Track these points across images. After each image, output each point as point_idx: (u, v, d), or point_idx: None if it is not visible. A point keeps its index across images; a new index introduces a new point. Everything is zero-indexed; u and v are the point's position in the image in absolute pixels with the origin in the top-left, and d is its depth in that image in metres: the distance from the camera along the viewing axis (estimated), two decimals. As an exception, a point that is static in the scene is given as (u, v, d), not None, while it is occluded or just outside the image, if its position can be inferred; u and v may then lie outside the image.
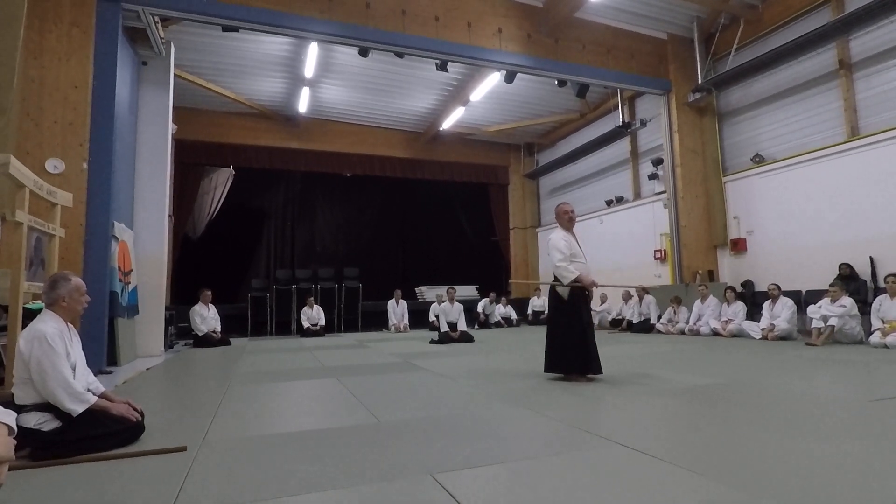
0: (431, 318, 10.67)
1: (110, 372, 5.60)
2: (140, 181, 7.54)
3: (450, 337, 8.28)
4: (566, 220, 4.56)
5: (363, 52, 8.36)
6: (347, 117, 12.96)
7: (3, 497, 1.77)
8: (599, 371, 4.27)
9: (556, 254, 4.37)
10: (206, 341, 8.63)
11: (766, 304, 7.67)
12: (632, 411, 3.13)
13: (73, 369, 2.57)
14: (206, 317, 8.84)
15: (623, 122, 11.31)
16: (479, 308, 12.09)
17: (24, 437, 2.25)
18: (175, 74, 8.35)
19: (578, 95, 10.42)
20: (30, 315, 3.87)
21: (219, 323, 9.13)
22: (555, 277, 4.43)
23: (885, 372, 4.30)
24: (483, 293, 13.57)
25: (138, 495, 1.94)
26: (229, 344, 8.87)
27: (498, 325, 12.32)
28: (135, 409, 2.71)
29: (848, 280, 7.25)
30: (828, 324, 6.38)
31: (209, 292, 9.12)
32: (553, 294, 4.48)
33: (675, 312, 9.26)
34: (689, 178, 9.90)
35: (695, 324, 8.68)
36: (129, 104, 7.18)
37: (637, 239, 11.34)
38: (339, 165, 13.56)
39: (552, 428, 2.76)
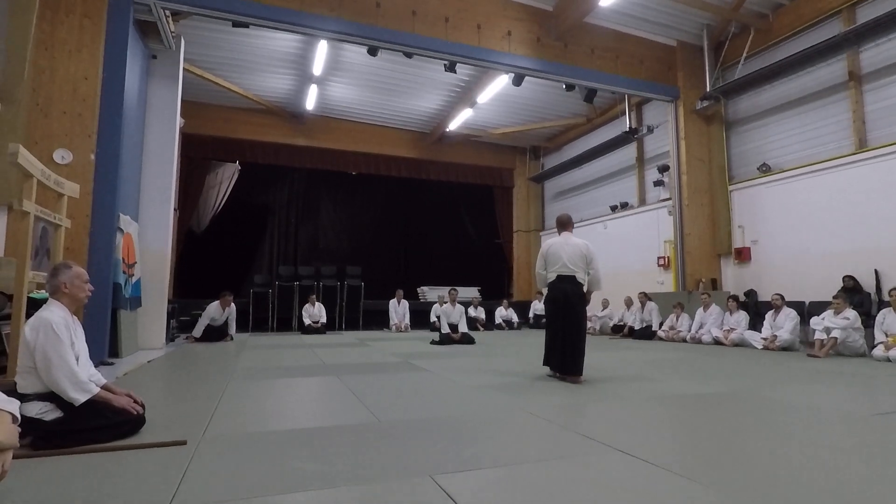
0: (433, 318, 10.67)
1: (112, 363, 5.62)
2: (146, 174, 7.56)
3: (451, 338, 8.27)
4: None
5: (372, 52, 8.37)
6: (354, 116, 12.98)
7: (4, 486, 1.77)
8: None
9: (598, 260, 4.79)
10: (207, 335, 8.65)
11: (769, 314, 7.64)
12: (632, 417, 3.12)
13: (77, 360, 2.57)
14: (215, 319, 8.76)
15: (630, 127, 11.30)
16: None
17: (26, 427, 2.25)
18: (184, 69, 8.39)
19: (586, 100, 10.41)
20: (34, 304, 3.88)
21: (234, 321, 9.01)
22: (573, 280, 4.67)
23: (887, 386, 4.28)
24: (485, 295, 13.58)
25: (138, 488, 1.95)
26: (231, 339, 8.89)
27: (499, 327, 12.33)
28: (136, 402, 2.72)
29: (852, 292, 7.22)
30: (830, 336, 6.36)
31: (230, 297, 8.89)
32: (583, 301, 4.69)
33: (677, 319, 9.23)
34: (695, 185, 9.87)
35: (696, 332, 8.65)
36: (138, 97, 7.21)
37: (641, 245, 11.32)
38: (344, 163, 13.58)
39: (552, 432, 2.76)
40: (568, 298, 4.60)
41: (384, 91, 11.51)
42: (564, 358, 4.51)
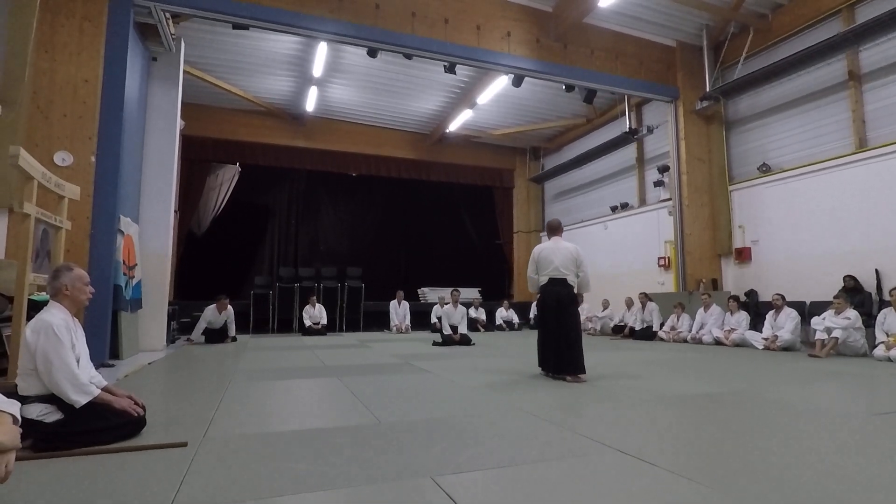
0: (433, 319, 10.67)
1: (113, 365, 5.62)
2: (147, 176, 7.57)
3: (452, 339, 8.26)
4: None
5: (372, 53, 8.38)
6: (354, 117, 12.99)
7: (4, 488, 1.77)
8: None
9: (587, 263, 4.90)
10: (207, 339, 8.68)
11: (770, 315, 7.63)
12: (632, 418, 3.12)
13: (77, 362, 2.58)
14: (213, 322, 8.79)
15: (630, 128, 11.31)
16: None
17: (27, 429, 2.24)
18: (184, 71, 8.40)
19: (586, 101, 10.42)
20: (34, 307, 3.89)
21: (233, 323, 9.00)
22: (565, 283, 4.82)
23: (888, 386, 4.28)
24: (486, 296, 13.58)
25: (139, 490, 1.95)
26: (235, 340, 8.93)
27: (500, 328, 12.33)
28: (137, 404, 2.72)
29: (853, 292, 7.21)
30: (831, 336, 6.35)
31: (227, 300, 8.89)
32: (574, 302, 4.83)
33: (677, 319, 9.22)
34: (695, 185, 9.87)
35: (697, 332, 8.65)
36: (138, 99, 7.22)
37: (641, 246, 11.31)
38: (344, 165, 13.60)
39: (552, 432, 2.76)
40: (561, 300, 4.76)
41: (384, 92, 11.52)
42: (563, 358, 4.61)
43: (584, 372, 4.55)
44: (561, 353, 4.62)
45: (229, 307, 8.96)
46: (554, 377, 4.65)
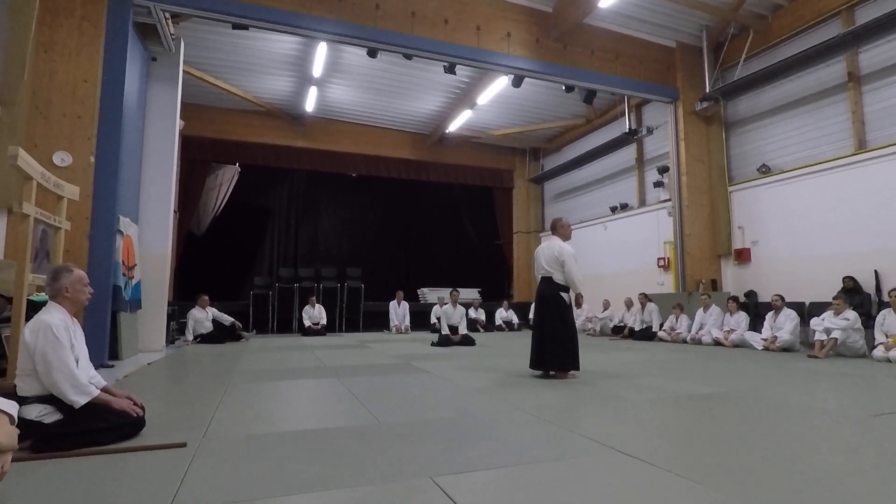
0: (433, 320, 10.66)
1: (112, 366, 5.62)
2: (146, 176, 7.56)
3: (449, 340, 8.26)
4: (569, 233, 5.13)
5: (371, 53, 8.38)
6: (354, 117, 12.99)
7: (4, 489, 1.77)
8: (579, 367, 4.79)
9: (574, 263, 4.88)
10: (210, 338, 8.71)
11: (769, 315, 7.63)
12: (631, 418, 3.12)
13: (76, 362, 2.57)
14: (201, 320, 8.87)
15: (629, 129, 11.31)
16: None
17: (26, 429, 2.25)
18: (184, 71, 8.40)
19: (585, 101, 10.43)
20: (33, 307, 3.88)
21: (221, 314, 9.15)
22: (550, 281, 4.86)
23: (887, 386, 4.28)
24: (485, 296, 13.58)
25: (138, 490, 1.95)
26: (242, 336, 9.07)
27: (499, 328, 12.33)
28: (136, 404, 2.72)
29: (852, 293, 7.22)
30: (831, 337, 6.35)
31: (206, 297, 9.07)
32: (557, 299, 4.85)
33: (676, 320, 9.22)
34: (695, 186, 9.88)
35: (696, 333, 8.65)
36: (138, 99, 7.21)
37: (641, 246, 11.31)
38: (344, 165, 13.59)
39: (552, 432, 2.76)
40: (544, 298, 4.88)
41: (384, 93, 11.51)
42: (546, 354, 4.70)
43: (569, 369, 4.65)
44: (544, 349, 4.71)
45: (209, 306, 9.08)
46: (543, 375, 4.71)
